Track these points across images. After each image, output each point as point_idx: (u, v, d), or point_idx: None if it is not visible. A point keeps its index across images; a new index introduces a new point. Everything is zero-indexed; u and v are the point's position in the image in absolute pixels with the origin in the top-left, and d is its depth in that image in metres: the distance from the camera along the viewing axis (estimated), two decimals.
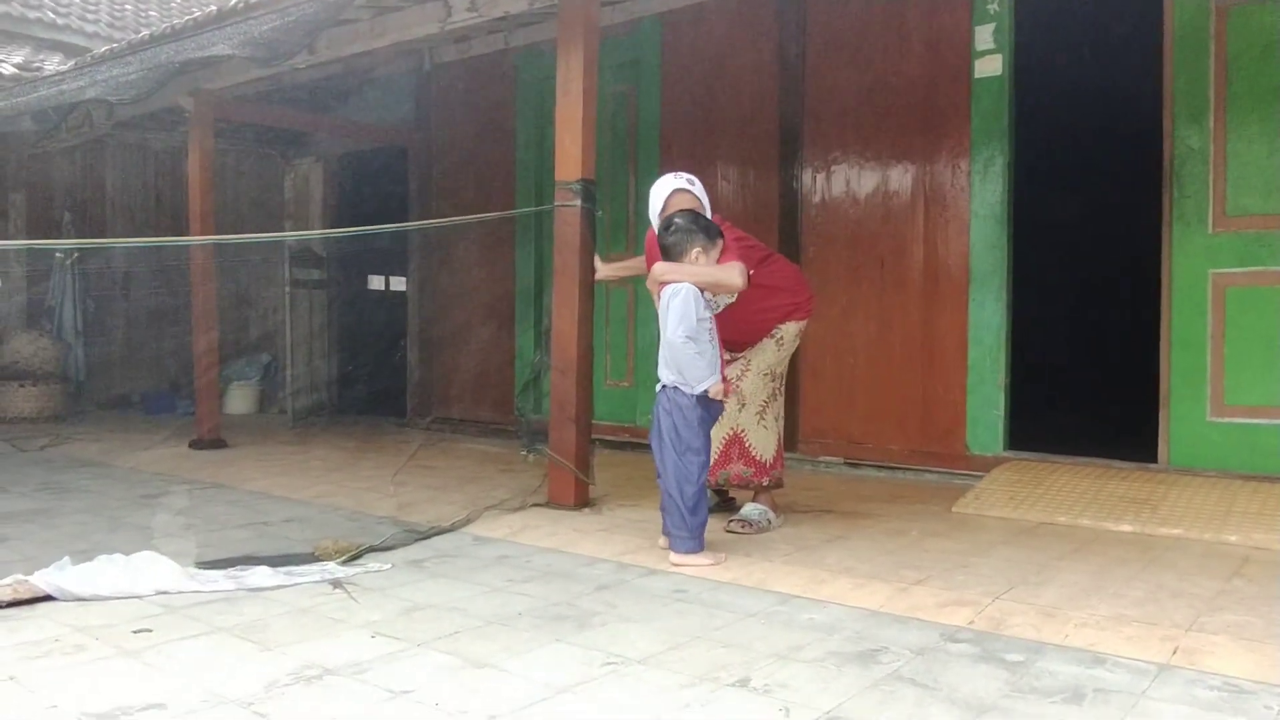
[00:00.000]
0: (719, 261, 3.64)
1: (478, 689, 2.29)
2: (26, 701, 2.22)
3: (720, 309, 3.94)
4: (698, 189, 3.88)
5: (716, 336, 3.61)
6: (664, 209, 3.82)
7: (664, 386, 3.58)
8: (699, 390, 3.51)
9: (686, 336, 3.47)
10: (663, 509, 3.57)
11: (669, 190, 3.85)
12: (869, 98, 5.68)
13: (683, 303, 3.49)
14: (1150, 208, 4.95)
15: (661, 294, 3.60)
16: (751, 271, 3.86)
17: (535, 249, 7.25)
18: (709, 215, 3.85)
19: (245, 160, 9.41)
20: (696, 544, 3.48)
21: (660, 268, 3.63)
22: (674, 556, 3.46)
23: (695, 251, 3.60)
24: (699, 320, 3.51)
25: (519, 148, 7.39)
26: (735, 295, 3.86)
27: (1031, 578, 3.27)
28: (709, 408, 3.58)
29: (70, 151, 8.65)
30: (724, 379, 3.62)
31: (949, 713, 2.14)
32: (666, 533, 3.57)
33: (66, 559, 3.24)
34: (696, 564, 3.43)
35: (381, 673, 2.40)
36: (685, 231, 3.63)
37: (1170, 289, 4.80)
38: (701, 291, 3.57)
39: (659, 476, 3.58)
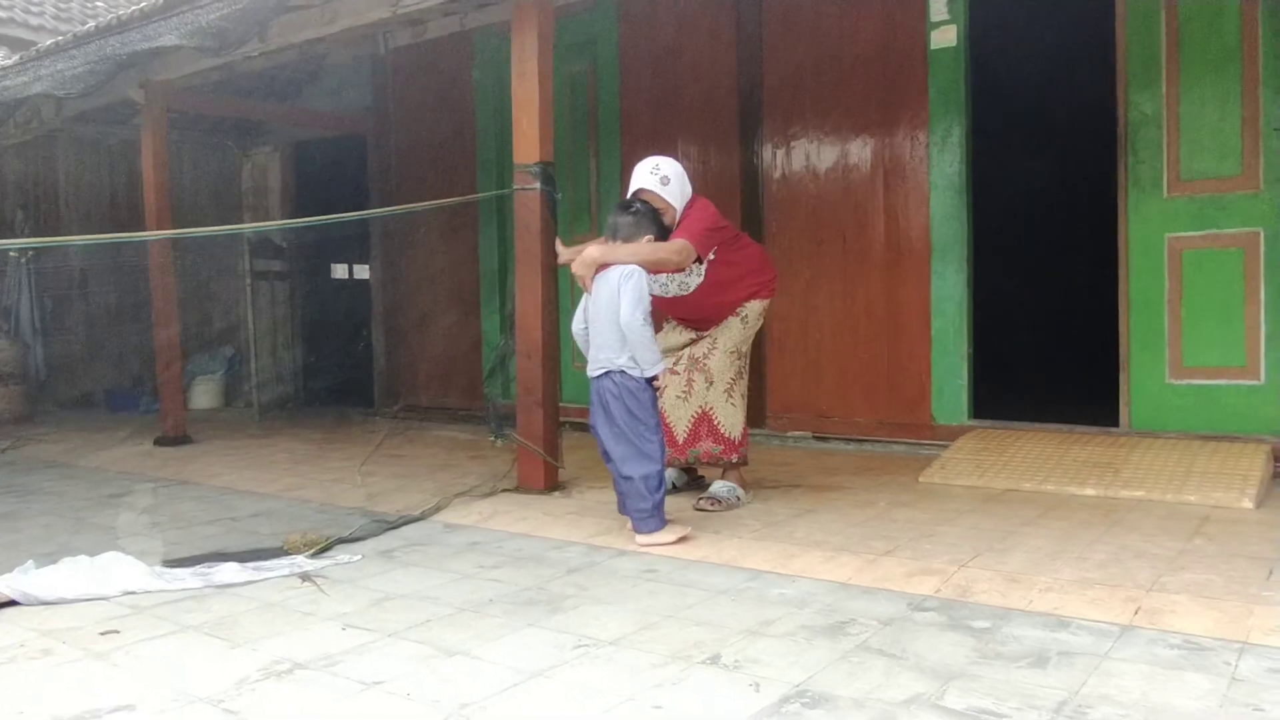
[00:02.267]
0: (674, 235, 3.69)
1: (450, 677, 2.29)
2: None
3: (691, 290, 3.97)
4: (671, 188, 3.82)
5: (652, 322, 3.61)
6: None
7: (608, 372, 3.55)
8: (651, 373, 3.50)
9: (645, 319, 3.47)
10: (619, 492, 3.58)
11: (636, 185, 3.85)
12: (827, 71, 5.69)
13: (636, 285, 3.49)
14: (1107, 174, 5.00)
15: (605, 275, 3.57)
16: (712, 256, 3.91)
17: (498, 233, 7.21)
18: (682, 202, 3.86)
19: (201, 152, 9.27)
20: (659, 521, 3.49)
21: (597, 251, 3.63)
22: (640, 538, 3.47)
23: (645, 239, 3.64)
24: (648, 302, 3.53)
25: (479, 131, 7.33)
26: (702, 275, 3.89)
27: (997, 544, 3.31)
28: (653, 386, 3.59)
29: (21, 148, 8.48)
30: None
31: (917, 681, 2.17)
32: (624, 512, 3.59)
33: (30, 562, 3.20)
34: (664, 541, 3.45)
35: (353, 665, 2.39)
36: (645, 217, 3.67)
37: (1128, 254, 4.86)
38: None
39: (607, 461, 3.58)
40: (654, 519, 3.48)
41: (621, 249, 3.62)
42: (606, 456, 3.59)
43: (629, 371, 3.51)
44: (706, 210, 3.91)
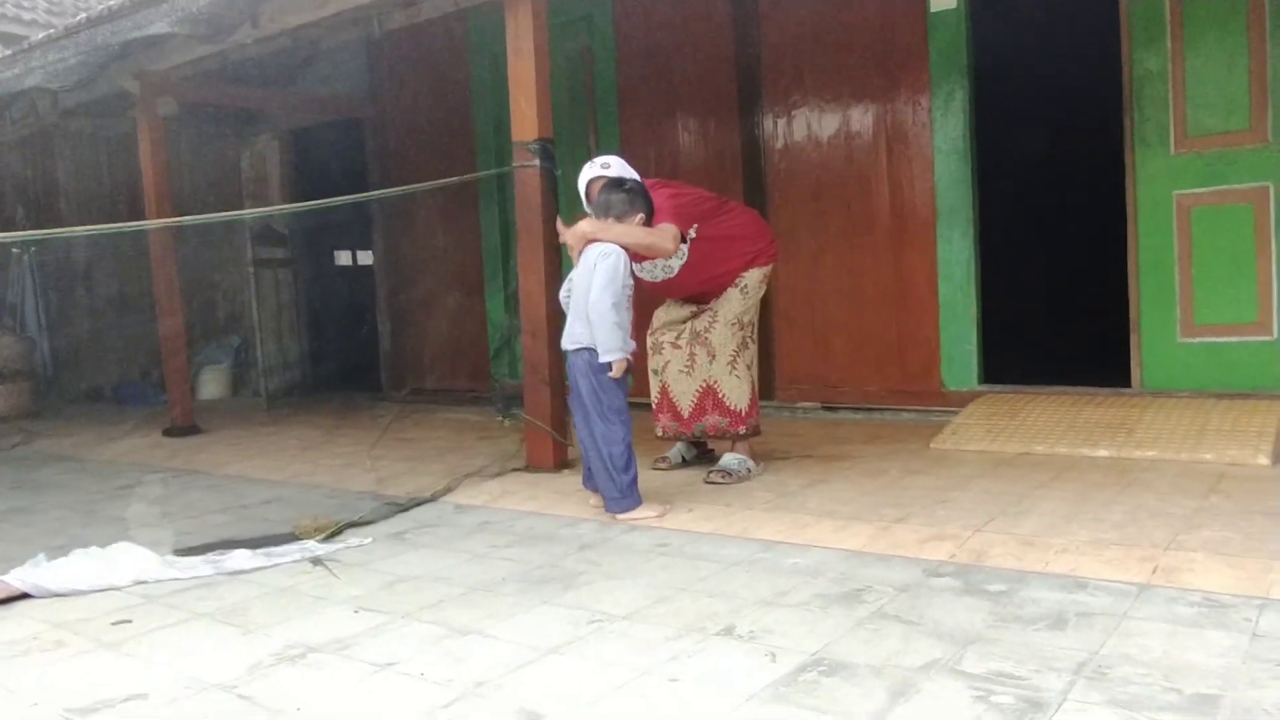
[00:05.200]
0: (654, 224, 3.66)
1: (464, 656, 2.28)
2: (6, 701, 2.19)
3: (676, 273, 3.93)
4: (614, 170, 3.79)
5: (631, 306, 3.55)
6: (588, 197, 3.81)
7: (581, 348, 3.50)
8: (604, 359, 3.42)
9: (613, 302, 3.41)
10: (589, 469, 3.58)
11: (587, 179, 3.82)
12: (825, 39, 5.62)
13: (612, 266, 3.44)
14: (1113, 133, 4.94)
15: (586, 251, 3.54)
16: (693, 234, 3.86)
17: (500, 212, 7.16)
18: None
19: (200, 143, 9.21)
20: (632, 500, 3.46)
21: (589, 225, 3.59)
22: (618, 516, 3.47)
23: (638, 218, 3.60)
24: (623, 286, 3.47)
25: (476, 111, 7.28)
26: (681, 258, 3.85)
27: (1011, 508, 3.28)
28: (631, 364, 3.53)
29: (19, 144, 8.45)
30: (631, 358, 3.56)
31: (935, 646, 2.15)
32: (591, 488, 3.61)
33: (42, 555, 3.19)
34: (642, 517, 3.44)
35: (366, 647, 2.38)
36: (637, 195, 3.63)
37: (1136, 213, 4.81)
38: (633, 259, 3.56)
39: (580, 439, 3.60)
40: (625, 499, 3.46)
41: (615, 228, 3.57)
42: (579, 436, 3.60)
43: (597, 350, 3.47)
44: (662, 191, 3.84)
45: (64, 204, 8.82)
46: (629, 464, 3.47)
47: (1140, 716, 1.76)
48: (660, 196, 3.78)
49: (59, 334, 8.63)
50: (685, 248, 3.89)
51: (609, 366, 3.44)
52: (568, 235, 3.65)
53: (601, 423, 3.47)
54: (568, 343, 3.58)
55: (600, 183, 3.75)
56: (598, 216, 3.64)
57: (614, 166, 3.81)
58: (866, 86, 5.50)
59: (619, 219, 3.59)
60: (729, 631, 2.32)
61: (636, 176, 3.83)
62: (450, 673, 2.18)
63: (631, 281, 3.55)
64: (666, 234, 3.66)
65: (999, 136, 5.78)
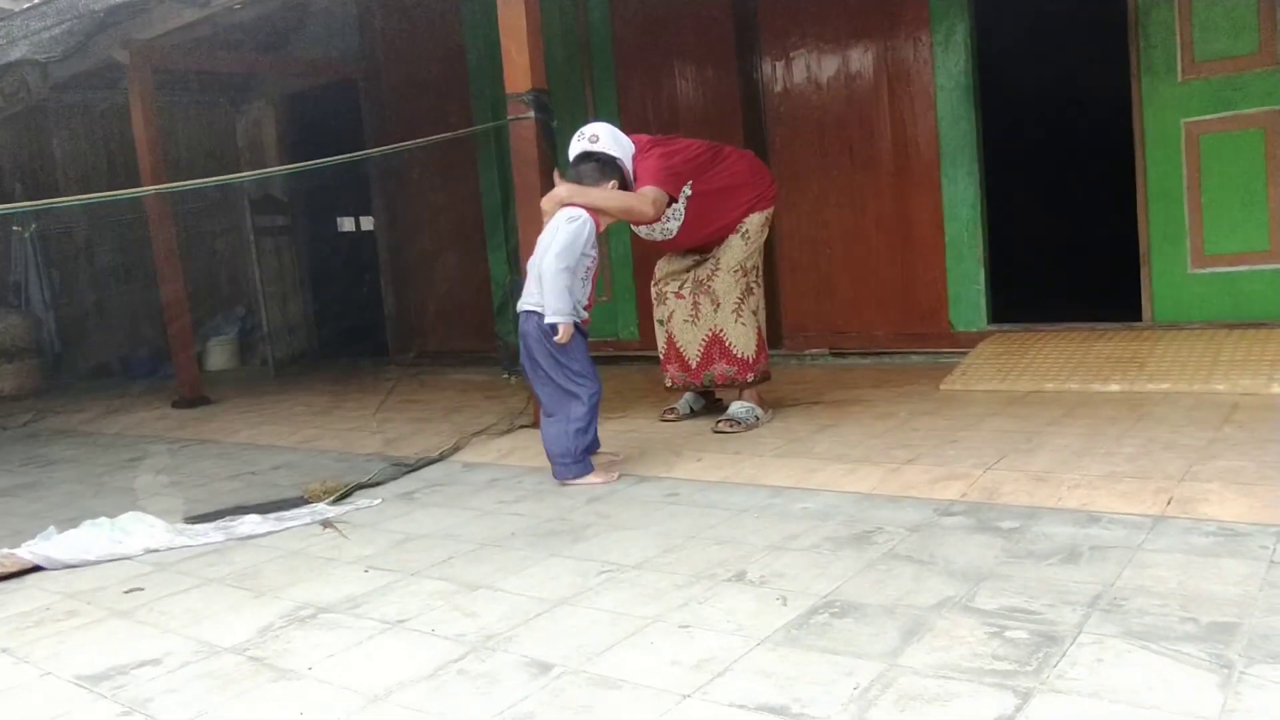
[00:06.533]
0: (636, 186, 3.59)
1: (474, 611, 2.27)
2: (19, 673, 2.19)
3: (675, 234, 3.87)
4: (603, 140, 3.62)
5: (591, 279, 3.45)
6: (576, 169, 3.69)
7: (532, 311, 3.39)
8: (550, 320, 3.30)
9: (565, 265, 3.31)
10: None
11: (574, 155, 3.65)
12: None
13: (575, 231, 3.35)
14: (1118, 63, 4.84)
15: (557, 215, 3.45)
16: (688, 192, 3.77)
17: (498, 168, 7.09)
18: (628, 156, 3.66)
19: (194, 112, 9.12)
20: (584, 467, 3.36)
21: (565, 190, 3.51)
22: (566, 482, 3.37)
23: (611, 184, 3.53)
24: (583, 254, 3.37)
25: (471, 66, 7.18)
26: (681, 217, 3.79)
27: (1022, 446, 3.25)
28: (582, 328, 3.43)
29: (12, 121, 8.35)
30: (580, 324, 3.42)
31: (947, 584, 2.13)
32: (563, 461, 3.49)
33: (52, 528, 3.19)
34: (589, 483, 3.36)
35: (376, 605, 2.37)
36: (609, 165, 3.54)
37: (1143, 143, 4.73)
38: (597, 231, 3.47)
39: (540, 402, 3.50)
40: (577, 465, 3.36)
41: (592, 191, 3.49)
42: (539, 398, 3.51)
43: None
44: (653, 152, 3.72)
45: (61, 178, 8.78)
46: (589, 426, 3.36)
47: (1156, 647, 1.74)
48: (651, 158, 3.68)
49: (64, 310, 8.63)
50: (681, 207, 3.81)
51: (555, 330, 3.32)
52: (544, 199, 3.59)
53: (565, 384, 3.35)
54: (521, 304, 3.46)
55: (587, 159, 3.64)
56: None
57: (603, 137, 3.63)
58: (865, 24, 5.39)
59: (593, 187, 3.52)
60: (740, 577, 2.31)
61: (628, 142, 3.69)
62: (460, 627, 2.17)
63: (594, 254, 3.44)
64: (645, 198, 3.58)
65: (1002, 72, 5.67)
